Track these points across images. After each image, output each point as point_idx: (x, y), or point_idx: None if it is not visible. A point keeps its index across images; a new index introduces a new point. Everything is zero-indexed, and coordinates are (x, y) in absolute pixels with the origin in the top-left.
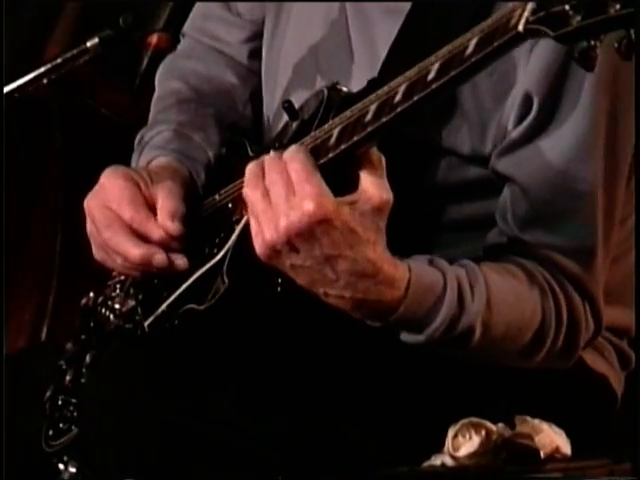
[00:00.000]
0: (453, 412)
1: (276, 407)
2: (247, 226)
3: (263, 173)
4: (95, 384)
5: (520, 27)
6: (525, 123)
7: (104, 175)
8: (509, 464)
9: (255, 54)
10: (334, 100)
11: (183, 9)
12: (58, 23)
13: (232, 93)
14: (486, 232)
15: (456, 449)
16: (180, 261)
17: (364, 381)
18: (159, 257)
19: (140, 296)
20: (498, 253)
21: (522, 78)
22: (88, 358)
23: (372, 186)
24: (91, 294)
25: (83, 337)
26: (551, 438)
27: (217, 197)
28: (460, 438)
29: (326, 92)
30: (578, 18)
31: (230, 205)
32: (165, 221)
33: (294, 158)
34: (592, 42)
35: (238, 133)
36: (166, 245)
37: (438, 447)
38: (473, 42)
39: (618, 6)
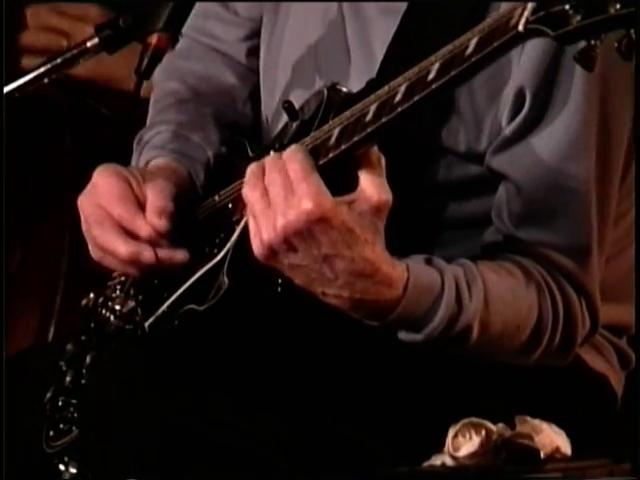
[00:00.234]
0: (453, 412)
1: (276, 407)
2: (247, 226)
3: (263, 174)
4: (95, 385)
5: (520, 27)
6: (518, 119)
7: (96, 173)
8: (509, 464)
9: (254, 52)
10: (334, 100)
11: (183, 9)
12: None
13: (231, 92)
14: (485, 229)
15: (456, 449)
16: (179, 255)
17: (364, 381)
18: (147, 254)
19: (140, 297)
20: (494, 251)
21: (515, 75)
22: (88, 359)
23: (371, 186)
24: (91, 295)
25: (83, 338)
26: (551, 438)
27: (217, 198)
28: (460, 438)
29: (326, 92)
30: (578, 18)
31: (230, 205)
32: (152, 218)
33: (293, 158)
34: (592, 42)
35: (238, 133)
36: (155, 242)
37: (438, 447)
38: (473, 42)
39: (618, 6)
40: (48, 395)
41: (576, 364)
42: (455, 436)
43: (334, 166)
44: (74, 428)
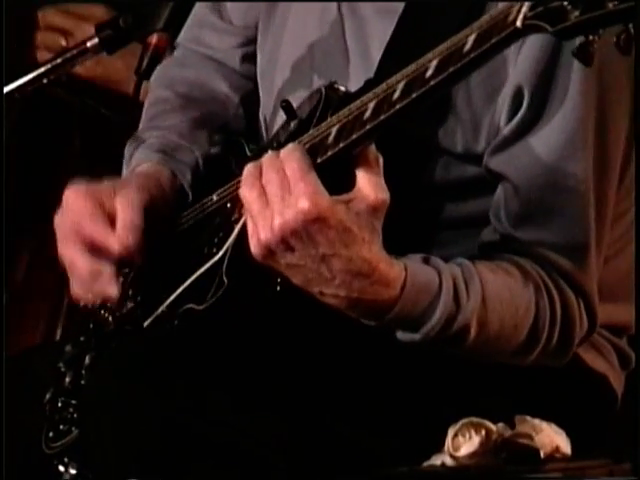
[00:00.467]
0: (453, 412)
1: (275, 407)
2: (246, 225)
3: (260, 173)
4: (95, 385)
5: (518, 23)
6: (516, 119)
7: (66, 192)
8: (509, 464)
9: (248, 59)
10: (332, 99)
11: (183, 9)
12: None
13: (223, 99)
14: (482, 229)
15: (456, 449)
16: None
17: (364, 381)
18: (107, 273)
19: (139, 297)
20: (492, 251)
21: (512, 74)
22: (87, 359)
23: (368, 185)
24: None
25: (82, 339)
26: (551, 438)
27: (215, 197)
28: (460, 438)
29: (324, 91)
30: (576, 13)
31: (229, 205)
32: (122, 234)
33: (290, 156)
34: (590, 37)
35: (235, 133)
36: (128, 258)
37: (438, 447)
38: (471, 38)
39: (617, 1)
40: (47, 396)
41: (576, 364)
42: (455, 436)
43: (332, 164)
44: (74, 429)
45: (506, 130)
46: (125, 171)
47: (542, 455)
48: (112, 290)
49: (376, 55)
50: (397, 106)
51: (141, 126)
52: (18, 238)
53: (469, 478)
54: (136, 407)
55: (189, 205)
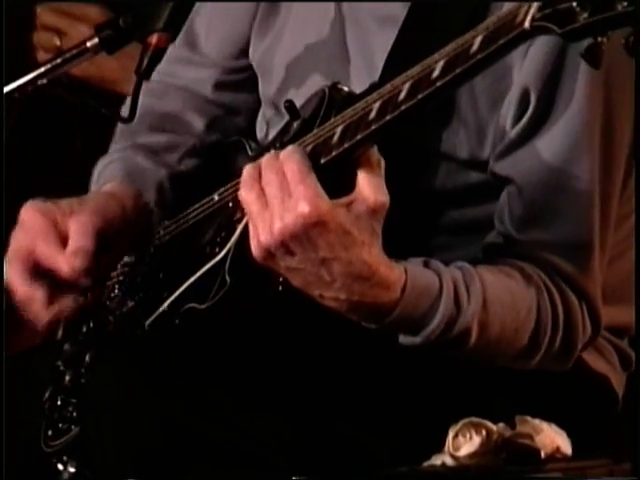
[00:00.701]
0: (453, 412)
1: (276, 407)
2: (248, 226)
3: (259, 174)
4: (95, 384)
5: (527, 24)
6: (522, 122)
7: (23, 209)
8: (509, 464)
9: (221, 87)
10: (336, 99)
11: (183, 9)
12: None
13: (190, 126)
14: (485, 235)
15: (456, 449)
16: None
17: (365, 381)
18: (39, 297)
19: (139, 296)
20: (496, 254)
21: (518, 79)
22: (88, 358)
23: (369, 187)
24: (89, 294)
25: (82, 337)
26: (551, 438)
27: (216, 197)
28: (460, 438)
29: (327, 91)
30: (585, 15)
31: (231, 204)
32: (70, 258)
33: (290, 158)
34: (599, 39)
35: (205, 159)
36: (76, 281)
37: (438, 447)
38: (478, 39)
39: (625, 2)
40: (46, 394)
41: (577, 365)
42: (455, 436)
43: (336, 165)
44: (73, 427)
45: (512, 133)
46: (93, 188)
47: (543, 455)
48: (42, 316)
49: (379, 64)
50: (402, 107)
51: (111, 147)
52: None
53: (469, 478)
54: (136, 406)
55: (190, 205)
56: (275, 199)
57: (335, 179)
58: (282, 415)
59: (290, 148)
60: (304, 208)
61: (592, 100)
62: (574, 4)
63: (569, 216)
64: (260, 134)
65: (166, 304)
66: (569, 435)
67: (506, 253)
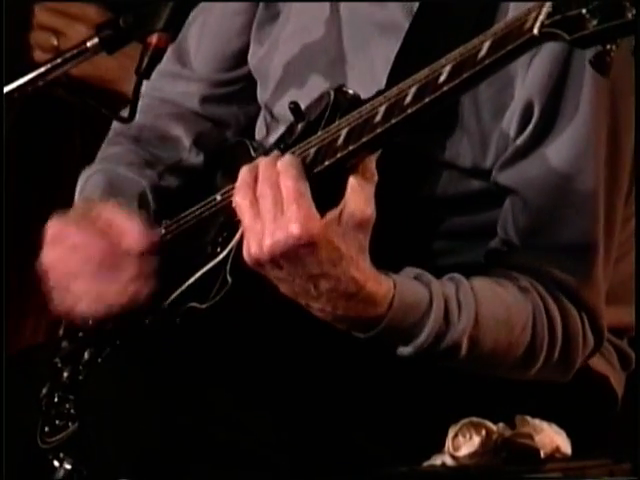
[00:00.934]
0: (453, 412)
1: (277, 407)
2: None
3: (254, 181)
4: (94, 382)
5: (535, 30)
6: (526, 133)
7: (52, 227)
8: (509, 464)
9: (209, 100)
10: (340, 102)
11: (183, 9)
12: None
13: (175, 140)
14: (487, 241)
15: (456, 449)
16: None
17: (365, 381)
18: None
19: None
20: (497, 262)
21: (521, 91)
22: (86, 355)
23: (357, 201)
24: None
25: (80, 335)
26: (551, 438)
27: (218, 197)
28: (460, 438)
29: (332, 94)
30: (594, 22)
31: (233, 205)
32: (135, 231)
33: (287, 173)
34: (608, 46)
35: (190, 172)
36: (150, 251)
37: (438, 447)
38: (486, 45)
39: (635, 11)
40: (44, 391)
41: None
42: (455, 436)
43: (339, 167)
44: (70, 424)
45: (515, 144)
46: (76, 198)
47: (542, 455)
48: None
49: (380, 69)
50: (408, 110)
51: (95, 161)
52: (17, 237)
53: (469, 478)
54: (135, 405)
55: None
56: (268, 213)
57: (332, 184)
58: (282, 415)
59: (288, 159)
60: (295, 229)
61: (597, 111)
62: (584, 11)
63: (573, 228)
64: (259, 137)
65: (167, 303)
66: (569, 435)
67: (508, 261)
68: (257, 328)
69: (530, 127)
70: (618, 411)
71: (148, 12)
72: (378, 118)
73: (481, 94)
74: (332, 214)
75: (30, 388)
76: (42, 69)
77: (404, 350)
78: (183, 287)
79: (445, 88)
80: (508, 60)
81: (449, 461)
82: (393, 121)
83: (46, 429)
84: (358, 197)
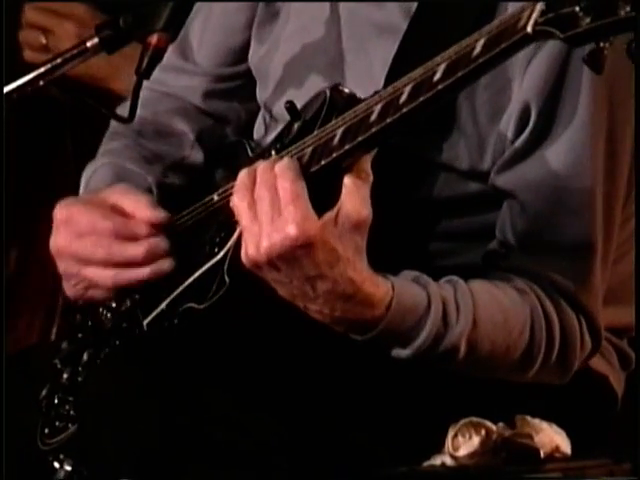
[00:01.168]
0: (453, 412)
1: (276, 407)
2: None
3: (253, 184)
4: (95, 383)
5: (529, 28)
6: (523, 136)
7: (60, 211)
8: (509, 464)
9: (211, 95)
10: (337, 101)
11: (183, 9)
12: None
13: (179, 135)
14: (485, 243)
15: (456, 449)
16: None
17: (365, 381)
18: (162, 244)
19: (138, 295)
20: (495, 264)
21: (518, 94)
22: (85, 356)
23: (353, 201)
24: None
25: (80, 336)
26: (551, 437)
27: (216, 197)
28: (460, 438)
29: (328, 93)
30: (588, 20)
31: (231, 205)
32: (146, 213)
33: (285, 175)
34: (602, 44)
35: (192, 169)
36: (158, 235)
37: (438, 447)
38: (480, 43)
39: (628, 8)
40: (44, 392)
41: None
42: (455, 436)
43: (336, 167)
44: (70, 425)
45: (513, 148)
46: (82, 193)
47: (542, 455)
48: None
49: (378, 71)
50: (404, 109)
51: (98, 155)
52: (10, 237)
53: (469, 478)
54: (134, 406)
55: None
56: (265, 215)
57: (328, 184)
58: (281, 415)
59: (286, 162)
60: (292, 230)
61: (595, 114)
62: (577, 9)
63: (570, 230)
64: (257, 136)
65: (165, 303)
66: (569, 435)
67: (505, 264)
68: (256, 328)
69: (527, 130)
70: (618, 411)
71: (148, 12)
72: (374, 117)
73: (478, 97)
74: (329, 215)
75: (30, 390)
76: (42, 69)
77: (402, 353)
78: (181, 287)
79: (440, 87)
80: (502, 58)
81: (449, 461)
82: (388, 120)
83: (46, 430)
84: (354, 198)
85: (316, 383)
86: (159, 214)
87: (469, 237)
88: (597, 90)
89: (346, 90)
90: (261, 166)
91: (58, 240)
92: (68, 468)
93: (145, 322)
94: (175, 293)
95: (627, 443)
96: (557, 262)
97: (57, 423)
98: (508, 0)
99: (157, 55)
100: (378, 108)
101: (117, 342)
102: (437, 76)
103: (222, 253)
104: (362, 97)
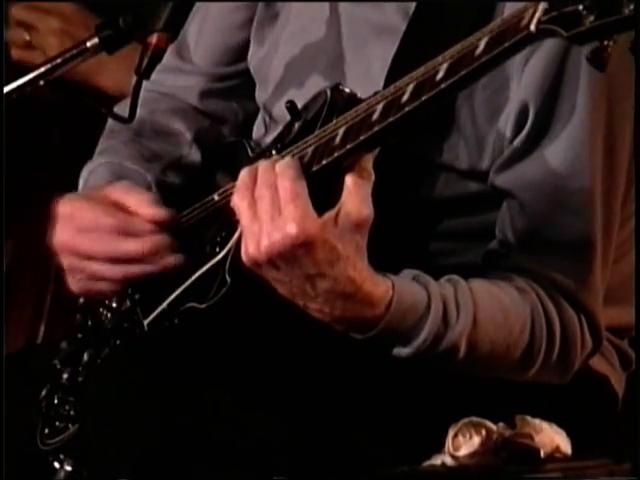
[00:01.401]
0: (453, 412)
1: (276, 407)
2: None
3: (253, 183)
4: (95, 383)
5: (532, 27)
6: (521, 136)
7: (63, 206)
8: (509, 464)
9: (208, 95)
10: (337, 101)
11: (183, 9)
12: None
13: (176, 135)
14: (485, 242)
15: (456, 449)
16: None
17: (365, 381)
18: (163, 242)
19: (138, 295)
20: (495, 263)
21: (516, 93)
22: (86, 356)
23: (354, 200)
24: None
25: (80, 336)
26: (551, 437)
27: (216, 197)
28: (460, 438)
29: (329, 92)
30: (591, 18)
31: (231, 205)
32: (147, 210)
33: (285, 174)
34: (605, 42)
35: (191, 168)
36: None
37: (438, 447)
38: (483, 42)
39: (632, 6)
40: (43, 393)
41: None
42: (455, 436)
43: (337, 166)
44: (70, 425)
45: (511, 147)
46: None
47: (542, 455)
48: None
49: (377, 72)
50: (406, 109)
51: (95, 154)
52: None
53: (469, 478)
54: (135, 406)
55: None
56: (265, 214)
57: (329, 184)
58: (282, 415)
59: (287, 162)
60: (292, 229)
61: (594, 113)
62: (580, 7)
63: (570, 230)
64: (257, 137)
65: (166, 303)
66: (569, 435)
67: (506, 263)
68: (257, 328)
69: (526, 129)
70: (618, 411)
71: (148, 12)
72: (375, 116)
73: (476, 96)
74: (329, 214)
75: (30, 390)
76: (42, 69)
77: (402, 352)
78: (182, 287)
79: (442, 86)
80: (505, 57)
81: (449, 461)
82: (391, 119)
83: (46, 431)
84: (355, 197)
85: (316, 383)
86: (161, 212)
87: (469, 237)
88: (595, 88)
89: (347, 90)
90: (262, 165)
91: (60, 235)
92: (68, 468)
93: (146, 322)
94: (176, 293)
95: (627, 443)
96: (557, 261)
97: (57, 423)
98: (507, 0)
99: (157, 55)
100: (380, 107)
101: (118, 342)
102: (440, 75)
103: (223, 253)
104: (362, 97)
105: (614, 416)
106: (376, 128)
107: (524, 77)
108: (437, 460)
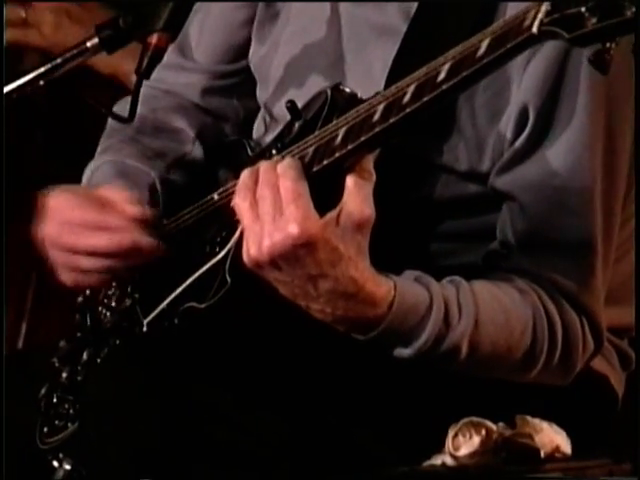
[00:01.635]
0: (453, 412)
1: (277, 407)
2: None
3: (255, 184)
4: (95, 383)
5: (534, 29)
6: (522, 138)
7: (49, 199)
8: (509, 463)
9: (210, 92)
10: (338, 101)
11: (183, 9)
12: None
13: (178, 132)
14: (486, 243)
15: (456, 449)
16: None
17: (365, 381)
18: (130, 237)
19: (138, 294)
20: (496, 264)
21: (517, 95)
22: (85, 355)
23: (355, 201)
24: (87, 291)
25: (79, 335)
26: (551, 437)
27: (216, 196)
28: (460, 437)
29: (329, 92)
30: (594, 20)
31: (232, 205)
32: (127, 208)
33: (286, 174)
34: (607, 45)
35: (194, 166)
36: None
37: (438, 447)
38: (485, 43)
39: (634, 8)
40: (42, 392)
41: None
42: (455, 436)
43: (338, 167)
44: (69, 424)
45: (511, 150)
46: None
47: (542, 455)
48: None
49: (377, 73)
50: (407, 109)
51: (97, 153)
52: None
53: (469, 478)
54: (135, 405)
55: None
56: (267, 215)
57: (330, 184)
58: (282, 415)
59: (288, 162)
60: (293, 230)
61: (594, 115)
62: (583, 9)
63: (571, 231)
64: (257, 136)
65: (165, 303)
66: (569, 435)
67: (507, 264)
68: (257, 328)
69: (526, 131)
70: (618, 411)
71: (148, 12)
72: (376, 117)
73: (477, 98)
74: (330, 215)
75: (29, 389)
76: (42, 69)
77: (403, 352)
78: (182, 287)
79: (444, 87)
80: (507, 58)
81: (449, 461)
82: (392, 120)
83: (45, 430)
84: (356, 197)
85: (317, 383)
86: (139, 209)
87: (470, 238)
88: (595, 90)
89: (347, 90)
90: (263, 166)
91: (46, 228)
92: (67, 467)
93: (145, 321)
94: (176, 292)
95: (627, 443)
96: (558, 263)
97: (56, 422)
98: (508, 0)
99: (157, 55)
100: (381, 108)
101: (117, 341)
102: (441, 76)
103: (223, 252)
104: (363, 97)
105: (614, 416)
106: (377, 129)
107: (525, 79)
108: (437, 460)
